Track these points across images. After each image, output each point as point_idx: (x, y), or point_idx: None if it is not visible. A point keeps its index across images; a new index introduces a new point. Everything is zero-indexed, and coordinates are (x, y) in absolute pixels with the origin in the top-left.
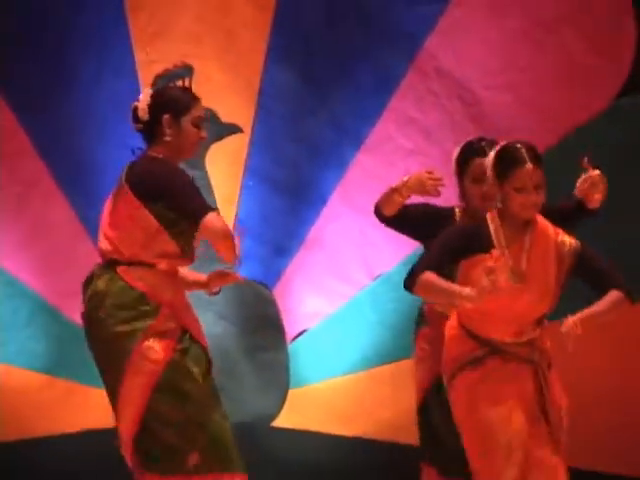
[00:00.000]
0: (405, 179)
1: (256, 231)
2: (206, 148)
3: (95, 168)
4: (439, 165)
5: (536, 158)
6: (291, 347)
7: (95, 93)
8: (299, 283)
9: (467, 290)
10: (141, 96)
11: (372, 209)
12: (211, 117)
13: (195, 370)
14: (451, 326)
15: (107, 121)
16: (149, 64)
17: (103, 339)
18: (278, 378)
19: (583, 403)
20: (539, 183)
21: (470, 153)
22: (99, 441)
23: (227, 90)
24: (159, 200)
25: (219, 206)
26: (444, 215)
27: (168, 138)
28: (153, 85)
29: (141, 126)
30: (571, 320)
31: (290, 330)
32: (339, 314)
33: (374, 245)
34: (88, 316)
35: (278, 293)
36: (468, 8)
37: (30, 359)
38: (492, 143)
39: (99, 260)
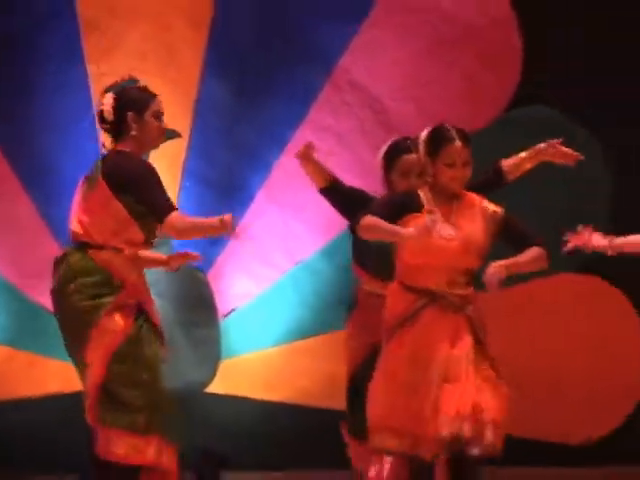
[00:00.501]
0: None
1: None
2: (148, 152)
3: (55, 170)
4: (350, 165)
5: (464, 137)
6: (223, 323)
7: (54, 103)
8: (230, 268)
9: (409, 229)
10: (105, 100)
11: (294, 204)
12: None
13: (148, 342)
14: (392, 288)
15: (65, 128)
16: (100, 77)
17: (72, 311)
18: (211, 351)
19: (515, 374)
20: (467, 160)
21: (398, 151)
22: (58, 405)
23: (168, 100)
24: (129, 194)
25: None
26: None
27: (134, 133)
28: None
29: (108, 126)
30: (496, 264)
31: (222, 308)
32: (265, 295)
33: (295, 236)
34: (59, 290)
35: (211, 277)
36: (379, 29)
37: None
38: (416, 141)
39: (57, 251)
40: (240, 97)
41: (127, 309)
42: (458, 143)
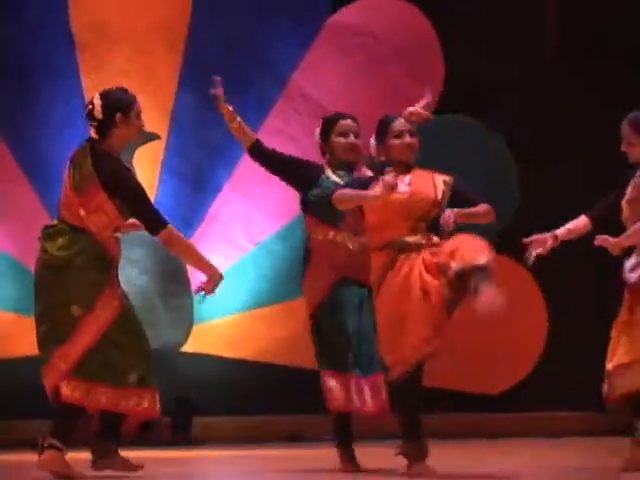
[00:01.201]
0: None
1: (170, 212)
2: (133, 150)
3: (52, 161)
4: None
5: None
6: (195, 295)
7: (52, 108)
8: (201, 248)
9: (375, 190)
10: (94, 101)
11: (257, 194)
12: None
13: (134, 309)
14: (371, 253)
15: (62, 128)
16: (92, 89)
17: (81, 280)
18: (185, 317)
19: (463, 340)
20: (411, 129)
21: (335, 117)
22: None
23: (149, 110)
24: (122, 200)
25: None
26: (315, 166)
27: (121, 130)
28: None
29: (96, 123)
30: (450, 212)
31: (194, 282)
32: (229, 271)
33: (255, 221)
34: (68, 259)
35: None
36: (324, 50)
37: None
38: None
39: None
40: (210, 106)
41: (117, 282)
42: (400, 119)
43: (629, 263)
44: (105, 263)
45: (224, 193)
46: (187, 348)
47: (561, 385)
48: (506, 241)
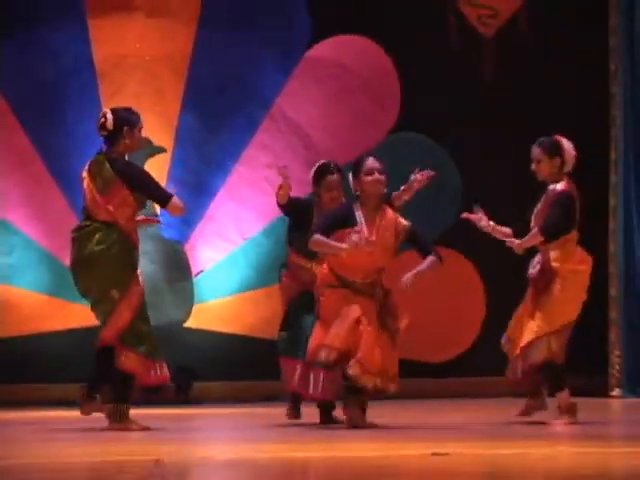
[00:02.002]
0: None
1: None
2: (144, 161)
3: (77, 170)
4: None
5: (374, 157)
6: (195, 280)
7: (77, 125)
8: (199, 242)
9: (344, 245)
10: (107, 115)
11: (246, 198)
12: (147, 142)
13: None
14: (323, 268)
15: (85, 142)
16: None
17: (116, 267)
18: (187, 298)
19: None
20: (380, 168)
21: (323, 172)
22: (78, 336)
23: (156, 127)
24: (140, 191)
25: None
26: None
27: (127, 142)
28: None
29: (106, 133)
30: (408, 276)
31: (194, 270)
32: (224, 261)
33: (245, 220)
34: (106, 252)
35: (187, 248)
36: (302, 79)
37: (37, 286)
38: (337, 165)
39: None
40: (208, 124)
41: (137, 267)
42: (371, 158)
43: (534, 260)
44: (132, 251)
45: (219, 197)
46: (188, 324)
47: (495, 356)
48: (452, 237)
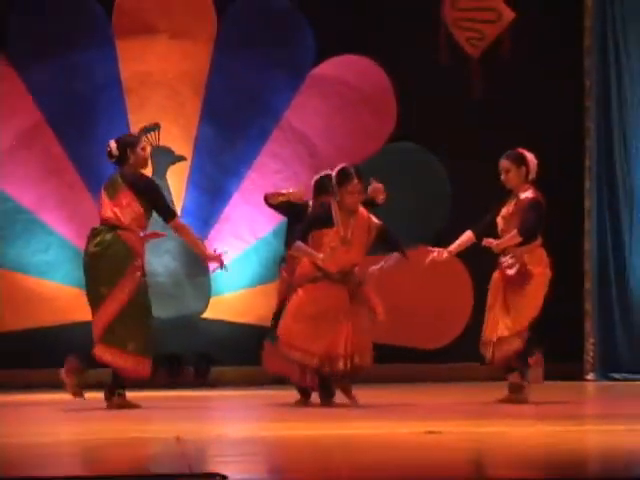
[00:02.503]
0: (289, 191)
1: (193, 214)
2: (166, 168)
3: (104, 176)
4: (290, 177)
5: (359, 175)
6: (212, 275)
7: (107, 136)
8: (216, 241)
9: (320, 255)
10: (111, 144)
11: (258, 202)
12: (169, 151)
13: (146, 290)
14: (304, 261)
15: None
16: (136, 123)
17: (110, 265)
18: (204, 291)
19: (396, 308)
20: (360, 189)
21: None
22: None
23: (178, 138)
24: (145, 198)
25: (173, 200)
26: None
27: (132, 161)
28: (140, 132)
29: (114, 160)
30: (374, 268)
31: (211, 266)
32: (238, 258)
33: (257, 222)
34: (102, 252)
35: (206, 246)
36: (308, 94)
37: (70, 280)
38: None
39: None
40: (223, 135)
41: (138, 268)
42: (355, 180)
43: (506, 262)
44: (127, 256)
45: (234, 200)
46: (206, 315)
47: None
48: (443, 236)
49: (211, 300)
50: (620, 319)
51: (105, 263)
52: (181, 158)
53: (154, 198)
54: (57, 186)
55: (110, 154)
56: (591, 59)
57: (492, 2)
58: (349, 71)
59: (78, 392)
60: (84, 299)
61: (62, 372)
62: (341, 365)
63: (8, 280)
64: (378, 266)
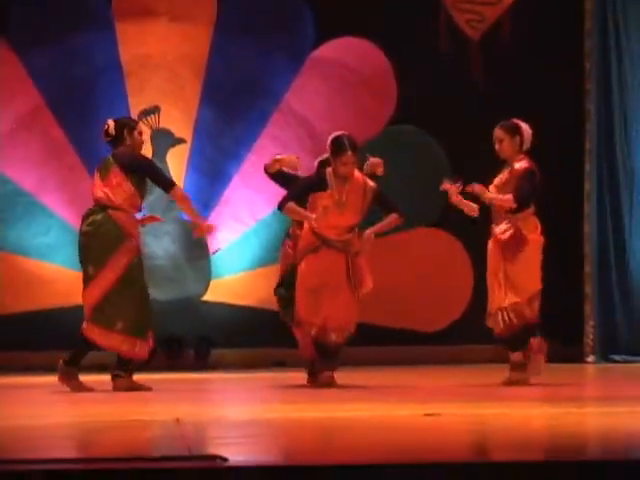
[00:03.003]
0: (280, 157)
1: (194, 197)
2: (166, 151)
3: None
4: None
5: (353, 146)
6: (212, 258)
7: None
8: (217, 223)
9: (312, 215)
10: (109, 122)
11: (258, 184)
12: (168, 134)
13: (141, 270)
14: (305, 231)
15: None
16: (136, 105)
17: (101, 245)
18: (204, 274)
19: (393, 290)
20: (353, 160)
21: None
22: None
23: (178, 120)
24: (137, 173)
25: None
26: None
27: (128, 142)
28: (140, 115)
29: (110, 139)
30: (368, 232)
31: (211, 248)
32: (237, 240)
33: (257, 204)
34: (93, 232)
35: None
36: (308, 76)
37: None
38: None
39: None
40: (223, 119)
41: (132, 248)
42: (349, 152)
43: (499, 229)
44: (118, 236)
45: (233, 183)
46: (206, 298)
47: (482, 326)
48: (444, 219)
49: (211, 283)
50: (620, 302)
51: (96, 242)
52: (181, 141)
53: (151, 172)
54: (57, 169)
55: (107, 132)
56: (591, 41)
57: None
58: (349, 54)
59: (82, 389)
60: None
61: (57, 378)
62: (333, 337)
63: (8, 263)
64: (374, 228)
